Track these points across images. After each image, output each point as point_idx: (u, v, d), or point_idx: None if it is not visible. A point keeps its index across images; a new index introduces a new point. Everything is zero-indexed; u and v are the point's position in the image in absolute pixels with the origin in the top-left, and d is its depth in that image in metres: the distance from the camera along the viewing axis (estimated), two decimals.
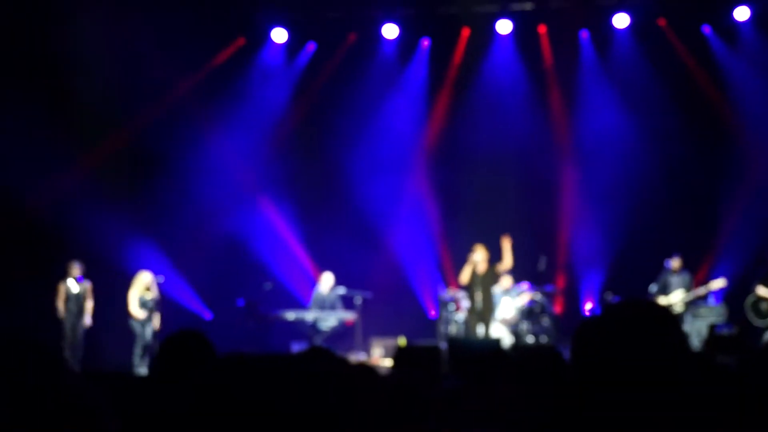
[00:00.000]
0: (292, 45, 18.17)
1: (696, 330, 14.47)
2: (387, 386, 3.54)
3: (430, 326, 16.45)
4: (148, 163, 16.58)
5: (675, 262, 14.84)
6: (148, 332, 14.37)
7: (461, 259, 15.20)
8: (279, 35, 17.86)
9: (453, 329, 15.11)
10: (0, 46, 15.27)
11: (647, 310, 2.10)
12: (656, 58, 17.27)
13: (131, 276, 14.72)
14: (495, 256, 14.26)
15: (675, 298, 14.58)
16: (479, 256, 13.86)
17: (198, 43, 16.53)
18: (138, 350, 14.23)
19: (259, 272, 16.59)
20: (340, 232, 16.96)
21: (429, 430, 2.86)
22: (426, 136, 18.25)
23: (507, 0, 17.38)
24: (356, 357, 14.10)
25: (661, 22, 17.35)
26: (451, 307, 15.35)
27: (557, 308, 15.85)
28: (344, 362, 3.05)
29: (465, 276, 13.96)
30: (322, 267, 16.48)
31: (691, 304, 14.81)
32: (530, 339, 15.05)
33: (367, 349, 15.25)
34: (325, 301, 15.76)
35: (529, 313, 15.33)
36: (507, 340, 14.33)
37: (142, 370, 13.80)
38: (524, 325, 15.14)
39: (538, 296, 15.43)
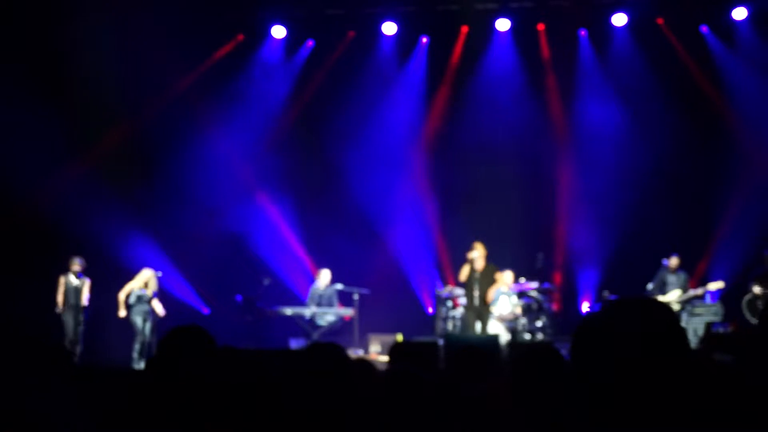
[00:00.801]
0: (291, 42, 18.19)
1: (692, 328, 14.53)
2: (385, 380, 3.59)
3: (427, 323, 16.51)
4: (148, 158, 16.63)
5: (672, 261, 14.90)
6: (147, 328, 14.42)
7: (459, 256, 15.25)
8: (278, 32, 17.88)
9: (450, 326, 15.15)
10: (1, 42, 15.30)
11: (647, 307, 2.12)
12: (654, 57, 17.30)
13: (130, 271, 14.77)
14: (493, 253, 14.29)
15: (672, 297, 14.64)
16: (477, 254, 13.88)
17: (198, 40, 16.58)
18: (137, 345, 14.27)
19: (257, 268, 16.62)
20: (339, 229, 17.00)
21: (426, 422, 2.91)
22: (424, 133, 18.27)
23: None
24: (353, 353, 14.13)
25: (659, 21, 17.38)
26: (449, 303, 15.39)
27: (554, 306, 15.88)
28: (346, 357, 3.11)
29: (463, 274, 13.99)
30: (320, 263, 16.51)
31: (687, 303, 14.86)
32: (527, 336, 15.10)
33: (364, 346, 15.28)
34: (323, 297, 15.82)
35: (526, 310, 15.38)
36: (504, 336, 14.37)
37: (141, 365, 13.84)
38: (521, 322, 15.19)
39: (536, 293, 15.49)
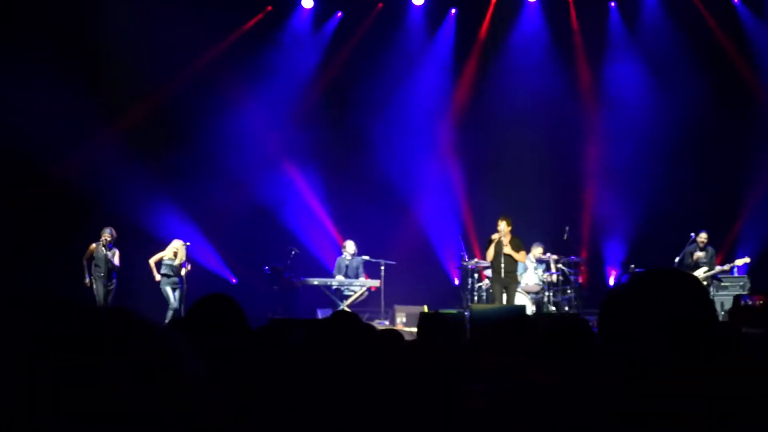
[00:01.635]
0: (319, 13, 18.18)
1: (720, 301, 14.49)
2: (412, 350, 3.64)
3: (453, 294, 16.55)
4: (177, 130, 16.69)
5: (701, 236, 14.83)
6: (177, 297, 14.56)
7: (485, 228, 15.27)
8: (307, 3, 17.86)
9: (476, 297, 15.18)
10: (31, 16, 15.38)
11: (675, 279, 2.12)
12: (685, 28, 17.14)
13: (159, 241, 14.90)
14: (519, 226, 14.28)
15: (698, 273, 14.58)
16: (504, 227, 13.87)
17: (226, 11, 16.60)
18: (169, 314, 14.40)
19: (284, 239, 16.70)
20: (365, 200, 17.03)
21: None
22: (451, 104, 18.24)
23: None
24: (379, 324, 14.21)
25: None
26: (475, 275, 15.41)
27: (581, 278, 15.87)
28: (371, 327, 3.15)
29: (489, 255, 13.94)
30: (347, 234, 16.58)
31: (714, 277, 14.82)
32: (552, 309, 15.12)
33: (390, 317, 15.36)
34: (349, 267, 15.90)
35: (552, 282, 15.39)
36: (529, 309, 14.38)
37: None
38: (547, 295, 15.21)
39: (562, 266, 15.49)
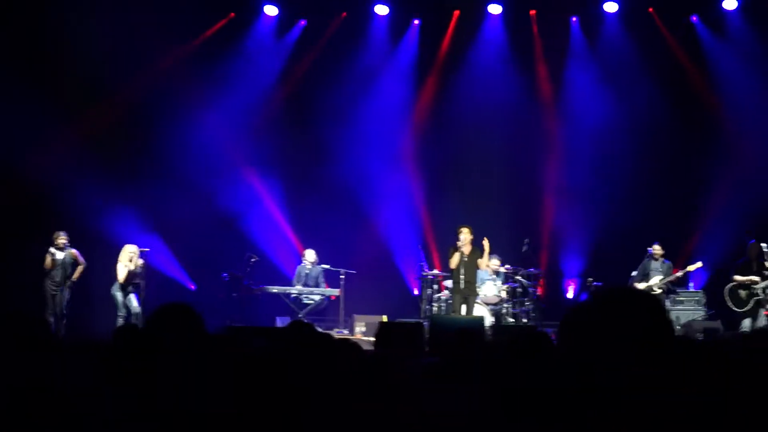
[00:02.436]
0: (282, 21, 18.14)
1: (675, 315, 14.65)
2: (369, 361, 3.64)
3: (413, 304, 16.58)
4: (136, 134, 16.57)
5: (656, 249, 14.99)
6: (131, 303, 14.41)
7: (446, 239, 15.32)
8: (270, 11, 17.84)
9: (435, 308, 15.22)
10: None
11: (635, 298, 2.14)
12: (644, 45, 17.36)
13: (116, 246, 14.75)
14: (479, 238, 14.35)
15: (653, 282, 14.75)
16: (464, 238, 13.93)
17: (189, 16, 16.49)
18: (120, 321, 14.25)
19: (244, 246, 16.63)
20: (326, 209, 17.02)
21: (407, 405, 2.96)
22: (414, 115, 18.30)
23: None
24: (338, 333, 14.19)
25: (650, 10, 17.42)
26: (434, 285, 15.46)
27: (539, 290, 15.98)
28: (327, 336, 3.16)
29: (453, 262, 13.97)
30: (307, 243, 16.56)
31: (670, 291, 14.98)
32: (511, 320, 15.20)
33: (349, 326, 15.35)
34: (309, 276, 15.89)
35: (511, 294, 15.48)
36: (488, 320, 14.45)
37: None
38: (506, 306, 15.29)
39: (521, 278, 15.58)
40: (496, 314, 15.17)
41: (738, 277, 13.96)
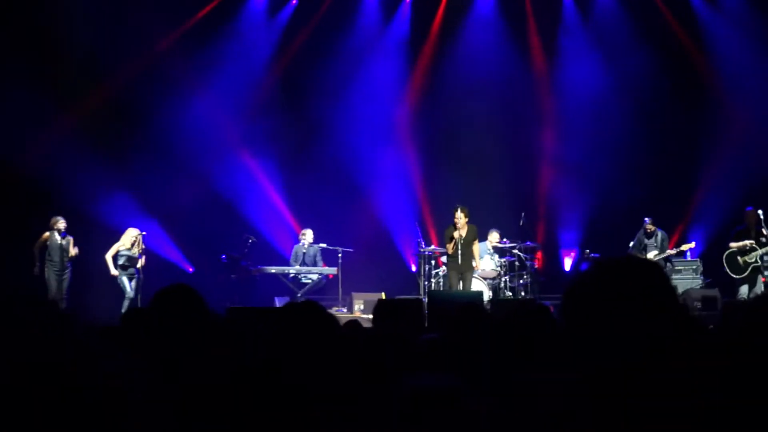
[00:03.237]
0: (274, 0, 18.06)
1: (672, 284, 14.69)
2: (370, 338, 3.67)
3: (411, 281, 16.62)
4: (131, 118, 16.51)
5: (649, 226, 15.02)
6: (133, 287, 14.45)
7: (442, 215, 15.35)
8: None
9: (433, 284, 15.26)
10: None
11: (639, 267, 2.14)
12: (638, 15, 17.30)
13: (114, 231, 14.75)
14: (475, 213, 14.38)
15: (649, 257, 14.78)
16: (460, 215, 13.95)
17: None
18: (125, 304, 14.27)
19: (241, 227, 16.64)
20: (322, 188, 17.04)
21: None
22: (408, 91, 18.24)
23: None
24: (337, 312, 14.23)
25: None
26: (432, 262, 15.49)
27: (537, 264, 16.02)
28: (331, 316, 3.17)
29: (451, 247, 14.00)
30: (304, 222, 16.56)
31: (667, 260, 15.02)
32: (509, 294, 15.24)
33: (348, 304, 15.37)
34: (306, 255, 15.90)
35: (509, 268, 15.51)
36: (486, 294, 14.49)
37: None
38: (503, 280, 15.33)
39: (518, 252, 15.60)
40: (494, 288, 15.22)
41: (734, 244, 14.01)
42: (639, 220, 15.16)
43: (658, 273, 2.14)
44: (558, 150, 17.56)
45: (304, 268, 15.70)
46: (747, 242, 13.89)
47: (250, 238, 15.96)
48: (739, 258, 13.96)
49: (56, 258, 14.19)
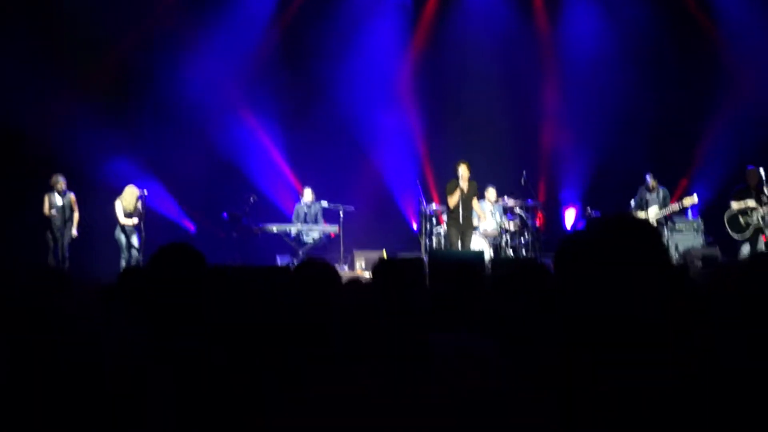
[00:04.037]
0: None
1: (674, 243, 14.70)
2: (372, 295, 3.66)
3: (412, 239, 16.65)
4: (133, 79, 16.44)
5: (649, 180, 14.96)
6: (133, 243, 14.48)
7: (444, 173, 15.33)
8: None
9: (435, 242, 15.28)
10: None
11: (630, 225, 2.13)
12: None
13: (116, 190, 14.76)
14: (477, 171, 14.36)
15: (650, 214, 14.76)
16: (463, 173, 13.94)
17: None
18: (122, 263, 14.33)
19: (243, 186, 16.64)
20: (324, 146, 17.03)
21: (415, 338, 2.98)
22: (410, 50, 18.16)
23: None
24: (339, 270, 14.25)
25: None
26: (433, 220, 15.50)
27: (538, 222, 16.02)
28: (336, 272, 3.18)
29: (453, 200, 13.99)
30: (306, 181, 16.54)
31: (668, 219, 14.99)
32: (510, 252, 15.25)
33: (349, 262, 15.41)
34: (308, 214, 15.91)
35: (510, 226, 15.51)
36: (487, 253, 14.51)
37: None
38: (505, 239, 15.33)
39: (519, 210, 15.59)
40: (496, 247, 15.23)
41: (735, 204, 13.95)
42: (640, 177, 15.12)
43: (650, 231, 2.13)
44: (559, 107, 17.53)
45: (306, 227, 15.71)
46: (749, 202, 13.81)
47: (252, 197, 15.96)
48: (740, 218, 13.90)
49: (57, 217, 14.21)
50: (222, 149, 16.96)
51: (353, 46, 17.46)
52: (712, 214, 15.22)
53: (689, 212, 15.54)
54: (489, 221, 15.22)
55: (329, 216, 16.02)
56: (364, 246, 15.58)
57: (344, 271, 14.37)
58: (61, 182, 14.25)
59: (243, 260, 14.71)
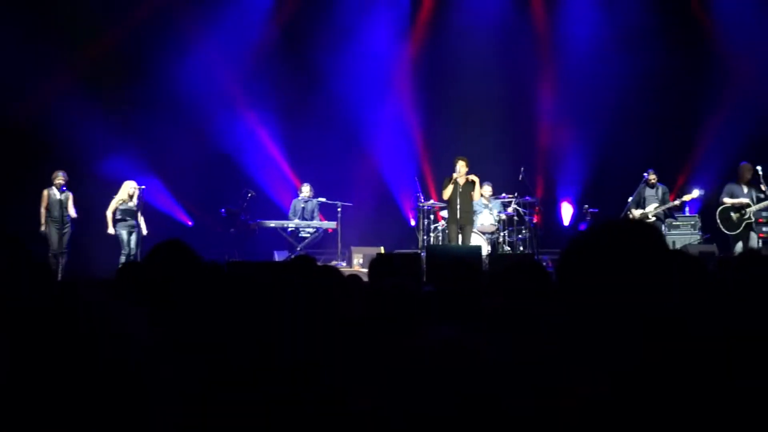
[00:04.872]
0: None
1: (671, 240, 14.69)
2: (369, 292, 3.66)
3: (411, 235, 16.66)
4: (131, 71, 16.40)
5: (650, 176, 14.93)
6: (133, 241, 14.47)
7: (442, 169, 15.32)
8: None
9: (432, 238, 15.29)
10: None
11: (637, 229, 2.10)
12: None
13: (114, 185, 14.73)
14: (475, 167, 14.35)
15: (649, 210, 14.74)
16: (460, 168, 13.94)
17: None
18: (122, 258, 14.31)
19: (240, 181, 16.64)
20: (322, 142, 17.01)
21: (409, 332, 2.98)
22: (409, 45, 18.15)
23: None
24: (336, 265, 14.25)
25: None
26: (431, 216, 15.50)
27: (535, 218, 16.03)
28: (331, 269, 3.17)
29: (447, 192, 13.99)
30: (304, 176, 16.55)
31: (666, 216, 14.97)
32: (507, 249, 15.27)
33: (347, 258, 15.42)
34: (305, 210, 15.90)
35: (507, 223, 15.53)
36: (485, 249, 14.51)
37: None
38: (502, 235, 15.34)
39: (517, 206, 15.60)
40: (493, 243, 15.24)
41: (727, 200, 13.86)
42: (638, 174, 15.10)
43: (657, 236, 2.11)
44: (558, 103, 17.53)
45: (303, 222, 15.71)
46: (741, 199, 13.73)
47: (249, 192, 15.96)
48: (732, 214, 13.80)
49: (56, 213, 14.19)
50: (220, 143, 16.96)
51: (351, 40, 17.44)
52: (709, 212, 15.21)
53: (687, 208, 15.53)
54: (486, 217, 15.22)
55: (327, 211, 16.02)
56: (362, 242, 15.59)
57: (342, 267, 14.36)
58: (60, 178, 14.22)
59: (241, 256, 14.71)
